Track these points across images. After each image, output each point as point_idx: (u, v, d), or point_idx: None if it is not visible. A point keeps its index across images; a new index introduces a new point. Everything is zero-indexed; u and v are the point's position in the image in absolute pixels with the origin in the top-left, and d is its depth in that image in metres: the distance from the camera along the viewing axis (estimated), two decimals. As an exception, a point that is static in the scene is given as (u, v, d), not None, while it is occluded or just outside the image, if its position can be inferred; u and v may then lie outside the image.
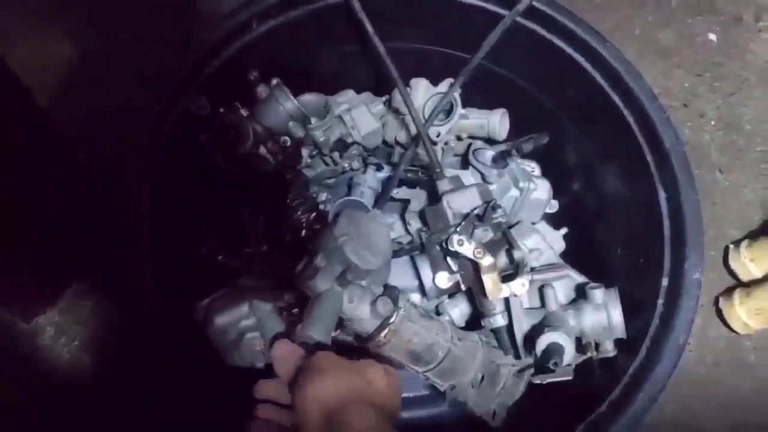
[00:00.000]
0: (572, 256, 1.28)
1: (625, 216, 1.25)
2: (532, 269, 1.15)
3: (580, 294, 1.11)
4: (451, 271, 1.09)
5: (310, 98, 1.26)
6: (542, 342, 0.99)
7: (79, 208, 1.51)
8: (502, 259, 1.05)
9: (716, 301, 1.66)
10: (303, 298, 0.93)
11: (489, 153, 1.29)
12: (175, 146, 1.16)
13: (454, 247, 1.00)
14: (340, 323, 0.95)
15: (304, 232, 1.22)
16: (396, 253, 1.21)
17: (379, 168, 1.40)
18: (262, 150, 1.18)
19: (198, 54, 1.18)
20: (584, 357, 1.08)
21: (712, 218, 1.76)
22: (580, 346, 1.06)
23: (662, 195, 1.12)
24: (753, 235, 1.69)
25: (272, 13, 1.20)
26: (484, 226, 1.03)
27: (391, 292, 0.97)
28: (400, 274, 1.20)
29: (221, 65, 1.20)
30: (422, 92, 1.28)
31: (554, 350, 0.98)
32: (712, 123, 1.87)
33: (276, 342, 0.86)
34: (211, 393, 1.04)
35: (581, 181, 1.37)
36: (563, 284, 1.13)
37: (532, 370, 1.08)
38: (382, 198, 1.28)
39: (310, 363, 0.78)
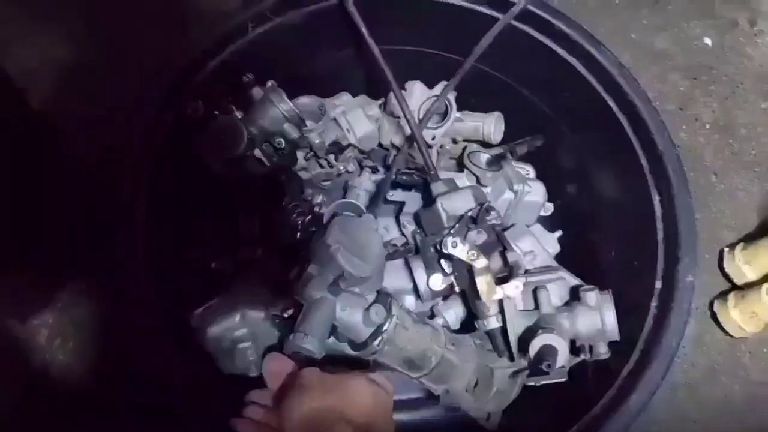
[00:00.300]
0: (567, 259, 1.29)
1: (618, 218, 1.26)
2: (527, 271, 1.15)
3: (574, 296, 1.11)
4: (446, 274, 1.10)
5: (305, 101, 1.27)
6: (536, 344, 0.99)
7: (73, 209, 1.51)
8: (496, 262, 1.05)
9: (711, 305, 1.66)
10: (297, 305, 0.94)
11: (484, 156, 1.30)
12: (169, 148, 1.16)
13: (448, 249, 1.01)
14: (334, 331, 0.95)
15: (299, 234, 1.22)
16: (390, 256, 1.21)
17: (374, 170, 1.40)
18: (257, 152, 1.18)
19: (193, 56, 1.18)
20: (578, 359, 1.08)
21: (707, 221, 1.76)
22: (574, 348, 1.06)
23: (656, 198, 1.13)
24: (748, 239, 1.69)
25: (267, 15, 1.20)
26: (478, 228, 1.03)
27: (384, 299, 0.97)
28: (395, 277, 1.20)
29: (216, 67, 1.20)
30: (417, 95, 1.29)
31: (548, 352, 0.98)
32: (707, 126, 1.87)
33: (268, 356, 0.88)
34: (205, 397, 1.04)
35: (576, 183, 1.38)
36: (557, 286, 1.13)
37: (526, 373, 1.08)
38: (376, 200, 1.28)
39: (295, 381, 0.80)
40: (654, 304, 1.07)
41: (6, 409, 1.44)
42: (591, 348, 1.07)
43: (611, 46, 1.19)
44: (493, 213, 1.06)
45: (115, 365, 1.47)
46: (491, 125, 1.32)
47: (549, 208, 1.38)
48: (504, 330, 1.06)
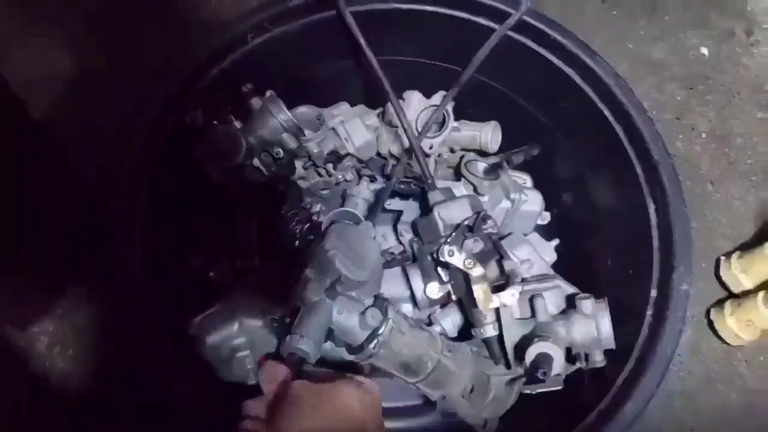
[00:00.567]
0: (563, 267, 1.30)
1: (614, 227, 1.27)
2: (523, 280, 1.16)
3: (570, 304, 1.12)
4: (442, 282, 1.11)
5: (304, 110, 1.28)
6: (532, 352, 1.00)
7: (73, 217, 1.51)
8: (493, 270, 1.06)
9: (708, 313, 1.67)
10: (294, 310, 0.94)
11: (481, 165, 1.31)
12: (168, 157, 1.17)
13: (445, 257, 1.01)
14: (331, 334, 0.96)
15: (297, 242, 1.23)
16: (388, 264, 1.22)
17: (372, 179, 1.42)
18: (256, 161, 1.19)
19: (193, 66, 1.19)
20: (574, 367, 1.08)
21: (704, 230, 1.77)
22: (570, 356, 1.07)
23: (651, 206, 1.14)
24: (744, 247, 1.70)
25: (266, 26, 1.21)
26: (475, 236, 1.04)
27: (380, 303, 0.98)
28: (392, 285, 1.21)
29: (216, 77, 1.21)
30: (415, 105, 1.30)
31: (544, 360, 0.99)
32: (704, 136, 1.88)
33: (262, 363, 0.89)
34: (204, 405, 1.04)
35: (572, 192, 1.39)
36: (553, 295, 1.13)
37: (523, 380, 1.08)
38: (375, 209, 1.29)
39: (287, 393, 0.81)
40: (649, 312, 1.09)
41: (5, 417, 1.44)
42: (587, 356, 1.07)
43: (608, 56, 1.21)
44: (489, 222, 1.07)
45: (116, 368, 1.47)
46: (488, 134, 1.33)
47: (546, 217, 1.39)
48: (500, 338, 1.07)
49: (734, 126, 1.90)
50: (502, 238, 1.25)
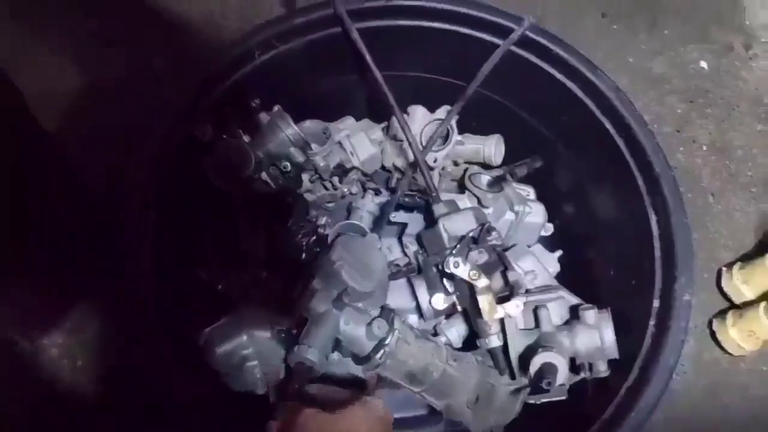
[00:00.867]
0: (566, 278, 1.31)
1: (616, 238, 1.28)
2: (528, 291, 1.17)
3: (574, 315, 1.13)
4: (448, 293, 1.12)
5: (310, 125, 1.30)
6: (536, 362, 1.01)
7: (82, 230, 1.52)
8: (498, 281, 1.07)
9: (710, 324, 1.68)
10: (301, 321, 0.96)
11: (485, 177, 1.32)
12: (177, 170, 1.19)
13: (450, 269, 1.03)
14: (338, 345, 0.97)
15: (304, 254, 1.25)
16: (393, 276, 1.23)
17: (377, 192, 1.43)
18: (264, 175, 1.21)
19: (201, 82, 1.21)
20: (578, 377, 1.09)
21: (705, 241, 1.78)
22: (574, 366, 1.08)
23: (653, 218, 1.15)
24: (745, 258, 1.71)
25: (273, 43, 1.23)
26: (479, 248, 1.05)
27: (386, 314, 0.99)
28: (398, 296, 1.22)
29: (224, 93, 1.23)
30: (419, 119, 1.32)
31: (548, 370, 1.00)
32: (704, 148, 1.90)
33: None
34: (204, 405, 1.05)
35: (574, 204, 1.40)
36: (557, 305, 1.15)
37: (527, 390, 1.09)
38: (380, 222, 1.30)
39: (296, 422, 0.81)
40: (652, 322, 1.10)
41: (13, 429, 1.45)
42: (590, 366, 1.08)
43: (609, 69, 1.23)
44: (494, 233, 1.08)
45: (123, 385, 1.48)
46: (492, 147, 1.35)
47: (549, 229, 1.40)
48: (505, 348, 1.08)
49: (734, 138, 1.91)
50: (506, 249, 1.26)
